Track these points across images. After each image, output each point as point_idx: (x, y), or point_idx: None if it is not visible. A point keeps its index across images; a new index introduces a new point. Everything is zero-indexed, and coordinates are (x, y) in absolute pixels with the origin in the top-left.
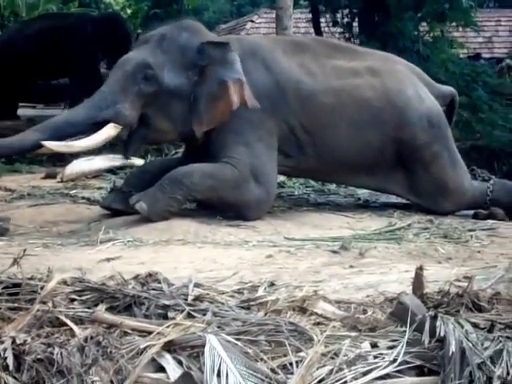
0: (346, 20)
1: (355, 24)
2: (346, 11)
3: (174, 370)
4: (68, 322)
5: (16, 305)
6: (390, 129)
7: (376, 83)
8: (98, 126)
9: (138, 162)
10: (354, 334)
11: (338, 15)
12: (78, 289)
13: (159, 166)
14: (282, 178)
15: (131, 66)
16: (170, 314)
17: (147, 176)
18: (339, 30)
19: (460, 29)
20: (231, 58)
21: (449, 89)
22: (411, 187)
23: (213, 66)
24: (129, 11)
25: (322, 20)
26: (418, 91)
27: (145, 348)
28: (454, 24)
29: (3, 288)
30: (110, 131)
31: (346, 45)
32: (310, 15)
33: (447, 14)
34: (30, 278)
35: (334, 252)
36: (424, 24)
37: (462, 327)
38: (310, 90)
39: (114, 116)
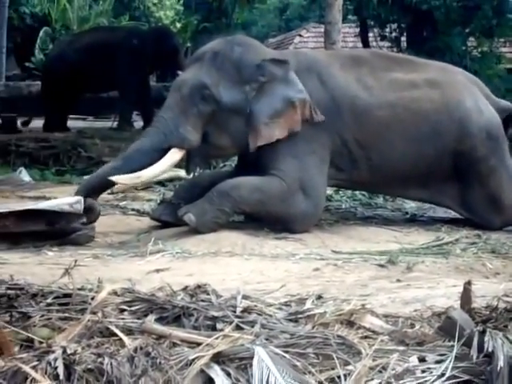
0: (394, 34)
1: (403, 38)
2: (395, 26)
3: (222, 382)
4: (118, 332)
5: (66, 315)
6: (448, 141)
7: (434, 95)
8: (165, 152)
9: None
10: (401, 348)
11: (387, 29)
12: (127, 299)
13: (208, 178)
14: (329, 191)
15: (188, 88)
16: (219, 326)
17: (196, 189)
18: (387, 44)
19: (508, 44)
20: (292, 77)
21: (507, 103)
22: (464, 201)
23: (274, 83)
24: (178, 25)
25: (370, 34)
26: (477, 102)
27: (193, 359)
28: (502, 40)
29: (54, 298)
30: (174, 156)
31: (403, 57)
32: (358, 29)
33: (495, 30)
34: (81, 289)
35: (382, 266)
36: (472, 39)
37: (511, 342)
38: (366, 104)
39: (180, 142)
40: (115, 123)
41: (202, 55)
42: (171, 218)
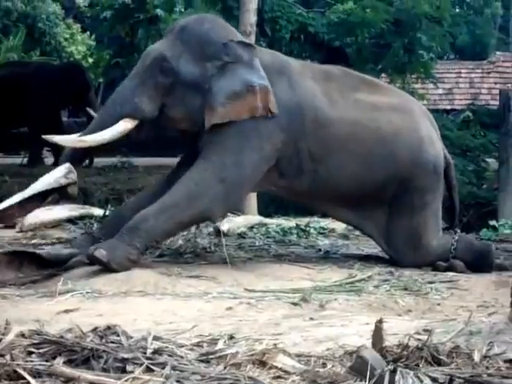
0: None
1: None
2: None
3: None
4: (26, 375)
5: None
6: (399, 167)
7: (395, 119)
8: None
9: (98, 211)
10: None
11: None
12: (36, 341)
13: (134, 207)
14: (242, 228)
15: (149, 59)
16: (129, 368)
17: (121, 221)
18: None
19: (420, 80)
20: (257, 63)
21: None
22: (386, 232)
23: (237, 65)
24: (90, 60)
25: None
26: (430, 134)
27: None
28: (413, 76)
29: None
30: (126, 125)
31: (370, 79)
32: None
33: (407, 67)
34: None
35: (295, 304)
36: (384, 75)
37: (421, 381)
38: (328, 118)
39: (132, 111)
40: (25, 160)
41: (172, 29)
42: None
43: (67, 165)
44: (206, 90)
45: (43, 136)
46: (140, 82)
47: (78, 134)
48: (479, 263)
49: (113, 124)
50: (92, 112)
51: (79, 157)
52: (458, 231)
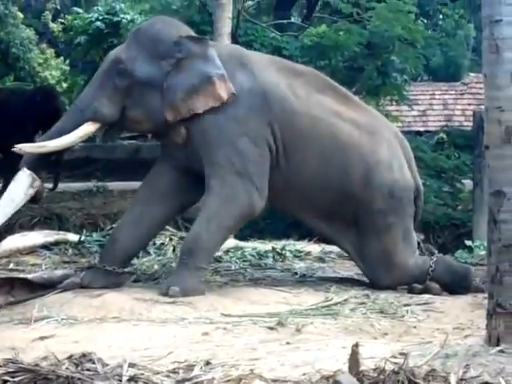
0: None
1: None
2: None
3: None
4: None
5: None
6: (353, 183)
7: (356, 134)
8: None
9: (72, 237)
10: None
11: None
12: (11, 370)
13: (128, 226)
14: (218, 252)
15: (106, 63)
16: None
17: (118, 244)
18: None
19: (394, 102)
20: (211, 54)
21: (419, 182)
22: (360, 250)
23: (192, 59)
24: (65, 85)
25: None
26: (391, 160)
27: None
28: (387, 98)
29: None
30: (88, 128)
31: (344, 91)
32: None
33: (381, 89)
34: None
35: (271, 328)
36: (359, 98)
37: None
38: (293, 109)
39: (93, 115)
40: (0, 185)
41: (129, 33)
42: (102, 283)
43: (28, 172)
44: (163, 89)
45: (12, 149)
46: (99, 86)
47: (39, 140)
48: (457, 285)
49: (74, 129)
50: None
51: (38, 164)
52: (436, 252)
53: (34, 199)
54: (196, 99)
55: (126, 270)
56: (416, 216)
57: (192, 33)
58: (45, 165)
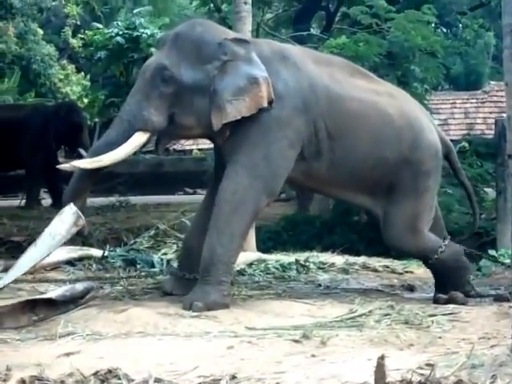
0: None
1: None
2: None
3: None
4: None
5: None
6: (404, 148)
7: (396, 104)
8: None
9: (96, 252)
10: None
11: None
12: None
13: (195, 233)
14: (241, 265)
15: (149, 71)
16: None
17: (193, 251)
18: None
19: None
20: (254, 56)
21: (447, 139)
22: (389, 214)
23: (236, 61)
24: (86, 100)
25: None
26: (429, 123)
27: None
28: None
29: None
30: (139, 139)
31: (366, 71)
32: None
33: None
34: None
35: (296, 341)
36: None
37: None
38: (338, 95)
39: (143, 124)
40: (23, 201)
41: (166, 38)
42: (184, 290)
43: (74, 210)
44: (211, 92)
45: (58, 166)
46: (144, 96)
47: (84, 159)
48: (453, 276)
49: (124, 141)
50: (84, 153)
51: (83, 188)
52: (449, 237)
53: (77, 233)
54: (243, 102)
55: None
56: (458, 171)
57: (232, 34)
58: (93, 183)
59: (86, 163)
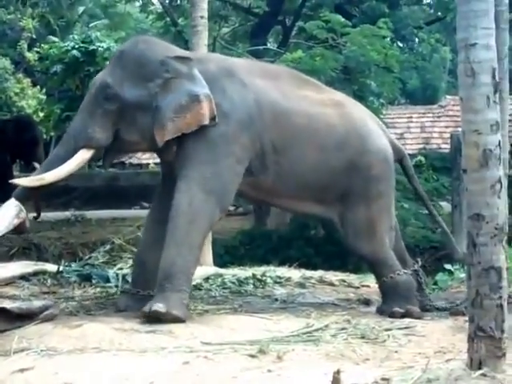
0: None
1: None
2: None
3: None
4: None
5: None
6: (351, 154)
7: (342, 113)
8: None
9: (51, 267)
10: None
11: None
12: None
13: (150, 247)
14: (198, 279)
15: (94, 89)
16: None
17: (146, 266)
18: None
19: None
20: (196, 73)
21: (400, 145)
22: (345, 218)
23: (179, 79)
24: (41, 114)
25: None
26: (377, 128)
27: None
28: None
29: None
30: (83, 155)
31: (313, 80)
32: None
33: None
34: None
35: (252, 356)
36: None
37: None
38: (285, 109)
39: (87, 141)
40: None
41: (112, 56)
42: (138, 307)
43: (16, 203)
44: (153, 109)
45: (10, 181)
46: (89, 113)
47: (35, 173)
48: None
49: (69, 158)
50: (38, 166)
51: (30, 195)
52: (419, 262)
53: (18, 230)
54: (184, 118)
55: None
56: (411, 177)
57: (175, 50)
58: (38, 194)
59: (30, 181)
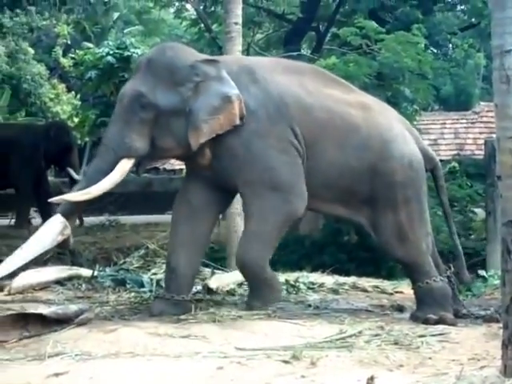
0: None
1: None
2: None
3: None
4: None
5: None
6: (372, 158)
7: (367, 116)
8: None
9: (86, 272)
10: None
11: None
12: None
13: (180, 250)
14: (231, 285)
15: (127, 99)
16: None
17: (179, 271)
18: None
19: None
20: (225, 75)
21: (434, 154)
22: (375, 223)
23: (208, 81)
24: (76, 120)
25: None
26: (403, 133)
27: None
28: None
29: None
30: (125, 166)
31: (342, 81)
32: None
33: None
34: None
35: (286, 362)
36: None
37: None
38: (308, 104)
39: (127, 151)
40: (13, 221)
41: (139, 64)
42: (173, 313)
43: (61, 219)
44: (187, 113)
45: (50, 200)
46: (125, 123)
47: (76, 187)
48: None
49: (111, 170)
50: (72, 172)
51: (75, 210)
52: (452, 268)
53: (61, 246)
54: (218, 120)
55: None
56: (440, 188)
57: (201, 55)
58: (82, 208)
59: (76, 196)
